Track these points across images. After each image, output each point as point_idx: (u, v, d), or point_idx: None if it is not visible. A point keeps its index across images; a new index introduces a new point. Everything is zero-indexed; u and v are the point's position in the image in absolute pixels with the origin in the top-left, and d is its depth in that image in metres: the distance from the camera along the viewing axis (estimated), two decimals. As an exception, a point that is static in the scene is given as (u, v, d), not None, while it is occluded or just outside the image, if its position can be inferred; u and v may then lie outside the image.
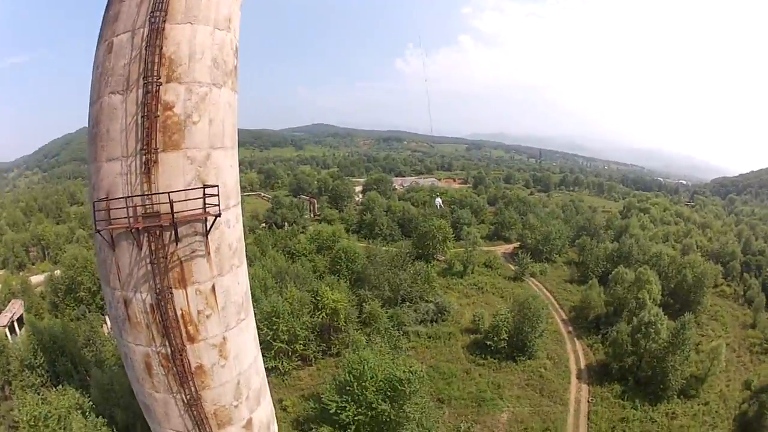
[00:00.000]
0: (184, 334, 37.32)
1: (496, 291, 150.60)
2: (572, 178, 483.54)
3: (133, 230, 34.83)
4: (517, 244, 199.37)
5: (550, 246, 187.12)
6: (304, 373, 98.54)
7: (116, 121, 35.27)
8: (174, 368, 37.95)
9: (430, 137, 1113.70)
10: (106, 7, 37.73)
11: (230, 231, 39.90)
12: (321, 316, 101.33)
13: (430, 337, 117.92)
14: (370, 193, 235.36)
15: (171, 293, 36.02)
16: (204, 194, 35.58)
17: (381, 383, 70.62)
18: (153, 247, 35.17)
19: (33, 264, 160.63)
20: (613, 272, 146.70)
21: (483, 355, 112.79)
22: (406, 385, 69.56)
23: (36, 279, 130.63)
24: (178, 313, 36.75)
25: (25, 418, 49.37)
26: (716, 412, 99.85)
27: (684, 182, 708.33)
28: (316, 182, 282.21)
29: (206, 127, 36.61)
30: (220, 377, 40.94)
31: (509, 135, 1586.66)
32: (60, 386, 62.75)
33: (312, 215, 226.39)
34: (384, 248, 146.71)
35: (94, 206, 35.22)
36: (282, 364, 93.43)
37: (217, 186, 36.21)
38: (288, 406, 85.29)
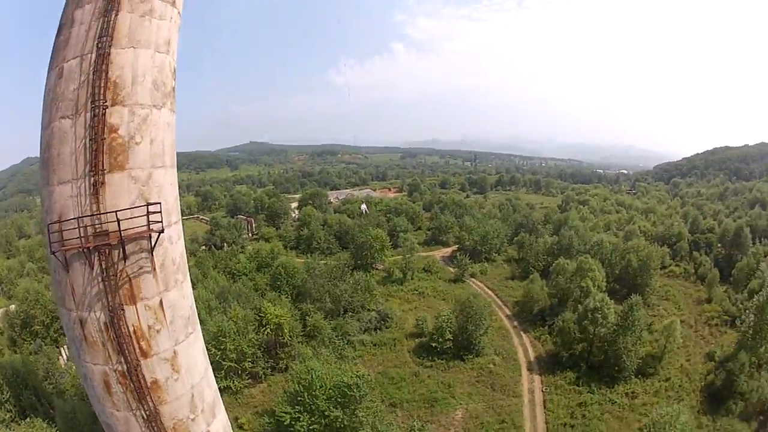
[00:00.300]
0: (137, 350, 38.21)
1: (437, 294, 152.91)
2: (508, 177, 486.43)
3: (84, 250, 35.79)
4: (455, 247, 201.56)
5: (488, 246, 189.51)
6: (255, 391, 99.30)
7: (66, 145, 36.36)
8: (131, 384, 38.72)
9: (364, 148, 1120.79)
10: (57, 33, 38.91)
11: (173, 247, 41.08)
12: (266, 332, 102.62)
13: (375, 345, 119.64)
14: (306, 208, 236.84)
15: (122, 310, 37.06)
16: (147, 212, 36.73)
17: (331, 391, 71.86)
18: (103, 266, 36.26)
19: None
20: (553, 264, 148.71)
21: (430, 357, 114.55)
22: (355, 390, 71.23)
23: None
24: (131, 329, 37.69)
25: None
26: (680, 386, 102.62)
27: (625, 172, 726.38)
28: (252, 201, 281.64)
29: (148, 148, 37.87)
30: (175, 391, 41.79)
31: (443, 140, 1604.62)
32: (27, 419, 63.20)
33: (250, 235, 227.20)
34: (323, 261, 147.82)
35: (48, 229, 36.24)
36: (233, 382, 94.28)
37: (159, 203, 37.68)
38: (244, 423, 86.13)
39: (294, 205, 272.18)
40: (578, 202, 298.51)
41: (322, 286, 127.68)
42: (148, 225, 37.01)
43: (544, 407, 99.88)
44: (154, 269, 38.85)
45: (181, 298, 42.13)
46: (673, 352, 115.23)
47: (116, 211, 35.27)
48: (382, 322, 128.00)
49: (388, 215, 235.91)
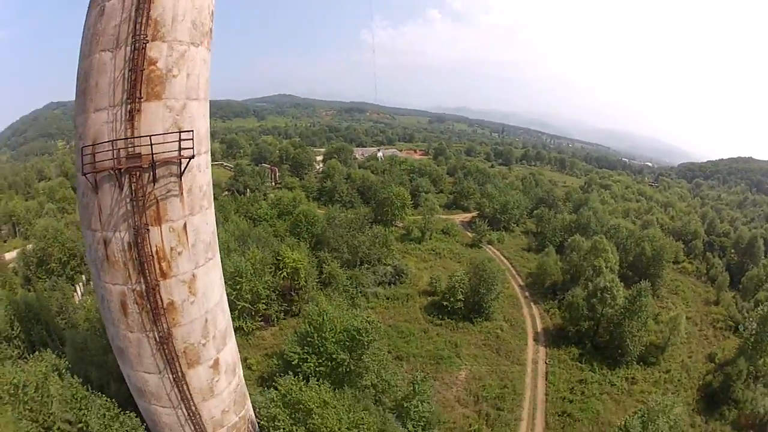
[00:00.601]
0: (157, 270, 40.14)
1: (453, 256, 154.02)
2: (534, 153, 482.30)
3: (115, 172, 37.65)
4: (475, 213, 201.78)
5: (507, 215, 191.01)
6: (267, 333, 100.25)
7: (105, 76, 38.16)
8: (148, 305, 40.63)
9: (392, 109, 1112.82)
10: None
11: (201, 175, 43.08)
12: (282, 276, 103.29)
13: (388, 298, 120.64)
14: (331, 161, 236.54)
15: (147, 230, 39.01)
16: (180, 138, 38.72)
17: (340, 334, 73.14)
18: (133, 187, 38.21)
19: (5, 242, 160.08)
20: (569, 240, 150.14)
21: (440, 316, 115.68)
22: (363, 335, 72.25)
23: (9, 256, 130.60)
24: (153, 249, 39.66)
25: (5, 388, 50.38)
26: (678, 381, 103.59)
27: (650, 164, 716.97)
28: (277, 151, 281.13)
29: (184, 81, 39.85)
30: (190, 314, 43.68)
31: (473, 109, 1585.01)
32: (36, 353, 64.45)
33: (273, 183, 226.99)
34: (343, 213, 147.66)
35: (81, 152, 38.01)
36: (246, 323, 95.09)
37: (192, 131, 39.63)
38: (253, 364, 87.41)
39: (319, 158, 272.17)
40: (600, 185, 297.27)
41: (341, 236, 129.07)
42: (179, 150, 38.97)
43: (546, 378, 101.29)
44: (182, 193, 40.91)
45: (204, 223, 44.21)
46: (676, 345, 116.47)
47: (150, 136, 37.40)
48: (397, 277, 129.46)
49: (411, 175, 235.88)
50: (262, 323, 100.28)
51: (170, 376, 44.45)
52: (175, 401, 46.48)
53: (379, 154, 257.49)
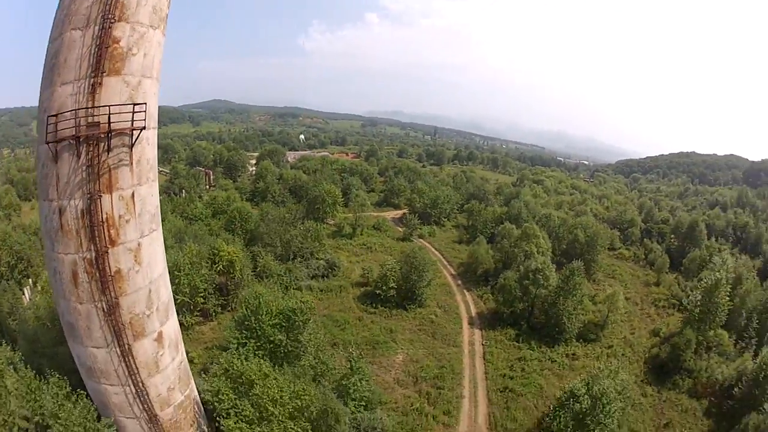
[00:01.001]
0: (107, 237, 42.75)
1: (384, 250, 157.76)
2: (466, 153, 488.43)
3: (75, 140, 40.64)
4: (406, 210, 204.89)
5: (438, 210, 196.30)
6: (206, 328, 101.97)
7: (74, 52, 41.64)
8: (97, 273, 43.13)
9: (326, 114, 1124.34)
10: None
11: (149, 148, 46.18)
12: (218, 269, 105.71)
13: (321, 290, 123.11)
14: (263, 162, 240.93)
15: (100, 197, 41.69)
16: (133, 110, 42.12)
17: (276, 317, 75.49)
18: (90, 156, 41.27)
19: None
20: (499, 228, 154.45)
21: (374, 305, 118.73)
22: (298, 314, 75.06)
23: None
24: (104, 216, 42.34)
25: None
26: (623, 355, 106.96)
27: (586, 162, 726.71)
28: (212, 155, 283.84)
29: (141, 59, 43.53)
30: (135, 283, 46.11)
31: (406, 113, 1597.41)
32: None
33: (208, 186, 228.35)
34: (276, 210, 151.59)
35: (46, 122, 40.89)
36: (185, 318, 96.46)
37: (145, 104, 43.13)
38: (194, 357, 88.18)
39: (252, 161, 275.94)
40: (533, 180, 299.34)
41: (275, 231, 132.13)
42: (132, 122, 42.18)
43: (484, 358, 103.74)
44: (132, 164, 43.85)
45: (150, 195, 47.05)
46: (617, 323, 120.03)
47: (109, 106, 40.61)
48: (330, 270, 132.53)
49: (342, 174, 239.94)
50: (200, 318, 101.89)
51: (117, 349, 46.47)
52: (123, 377, 48.09)
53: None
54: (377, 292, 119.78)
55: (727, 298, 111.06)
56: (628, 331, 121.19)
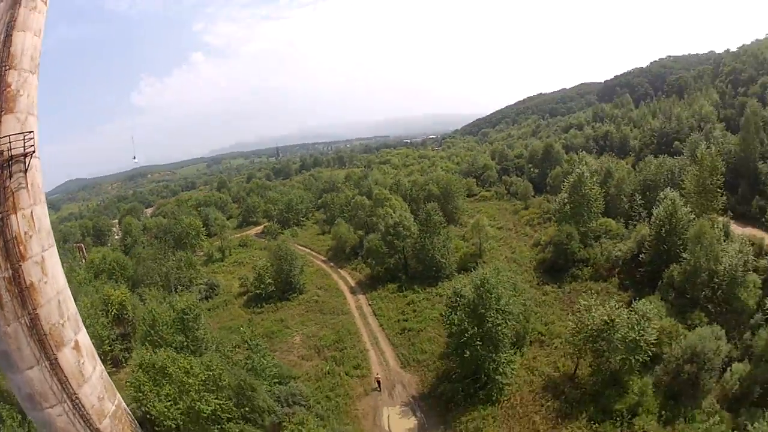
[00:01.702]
0: (18, 253, 48.62)
1: (254, 262, 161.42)
2: (311, 160, 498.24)
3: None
4: (266, 223, 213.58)
5: (294, 212, 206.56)
6: (121, 375, 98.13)
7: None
8: (16, 289, 48.43)
9: (170, 165, 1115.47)
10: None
11: (38, 174, 53.20)
12: (113, 313, 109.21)
13: (209, 310, 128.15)
14: (126, 218, 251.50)
15: (8, 217, 48.21)
16: (24, 138, 49.73)
17: (172, 323, 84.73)
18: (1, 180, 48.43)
19: None
20: (351, 203, 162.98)
21: (259, 305, 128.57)
22: (189, 312, 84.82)
23: None
24: (14, 234, 48.53)
25: None
26: (510, 268, 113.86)
27: (433, 136, 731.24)
28: (78, 231, 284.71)
29: (26, 99, 51.48)
30: (46, 293, 51.36)
31: (247, 143, 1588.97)
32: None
33: (83, 260, 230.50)
34: (146, 250, 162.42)
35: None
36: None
37: (33, 132, 51.21)
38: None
39: (115, 228, 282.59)
40: (380, 162, 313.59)
41: (151, 268, 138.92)
42: (24, 147, 49.70)
43: (375, 315, 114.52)
44: (27, 186, 50.69)
45: (44, 214, 53.64)
46: (495, 249, 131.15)
47: (9, 135, 48.56)
48: (211, 291, 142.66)
49: (198, 208, 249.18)
50: (113, 367, 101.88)
51: (47, 363, 50.72)
52: (59, 393, 51.75)
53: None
54: (258, 292, 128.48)
55: (598, 188, 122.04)
56: (509, 251, 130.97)
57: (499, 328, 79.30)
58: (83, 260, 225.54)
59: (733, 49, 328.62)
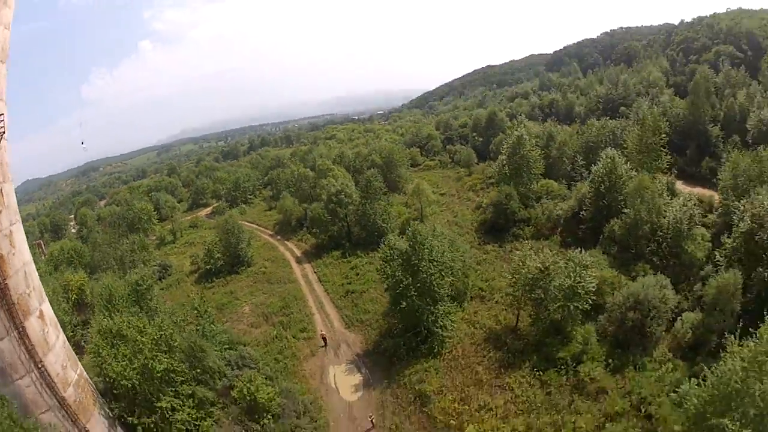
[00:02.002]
0: (-11, 227, 51.29)
1: (204, 241, 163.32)
2: (259, 141, 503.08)
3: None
4: (215, 204, 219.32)
5: (242, 190, 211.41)
6: (85, 360, 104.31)
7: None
8: None
9: (121, 156, 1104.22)
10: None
11: (6, 153, 56.49)
12: (73, 298, 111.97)
13: (162, 289, 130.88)
14: (81, 210, 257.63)
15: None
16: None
17: (126, 297, 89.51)
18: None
19: None
20: (296, 175, 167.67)
21: (209, 280, 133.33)
22: (142, 284, 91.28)
23: None
24: (-15, 208, 51.04)
25: None
26: (452, 230, 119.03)
27: (381, 112, 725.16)
28: (37, 229, 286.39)
29: None
30: (14, 264, 53.95)
31: (196, 128, 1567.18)
32: None
33: (43, 256, 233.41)
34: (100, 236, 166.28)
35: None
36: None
37: (3, 114, 54.46)
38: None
39: (72, 222, 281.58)
40: (325, 138, 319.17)
41: (106, 252, 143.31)
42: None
43: (320, 281, 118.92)
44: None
45: (11, 191, 57.07)
46: (437, 213, 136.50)
47: None
48: (164, 271, 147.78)
49: (150, 194, 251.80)
50: (76, 353, 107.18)
51: (15, 333, 52.19)
52: (27, 362, 53.01)
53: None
54: (208, 267, 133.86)
55: (538, 150, 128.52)
56: (451, 215, 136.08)
57: (434, 278, 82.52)
58: (43, 255, 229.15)
59: (688, 20, 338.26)
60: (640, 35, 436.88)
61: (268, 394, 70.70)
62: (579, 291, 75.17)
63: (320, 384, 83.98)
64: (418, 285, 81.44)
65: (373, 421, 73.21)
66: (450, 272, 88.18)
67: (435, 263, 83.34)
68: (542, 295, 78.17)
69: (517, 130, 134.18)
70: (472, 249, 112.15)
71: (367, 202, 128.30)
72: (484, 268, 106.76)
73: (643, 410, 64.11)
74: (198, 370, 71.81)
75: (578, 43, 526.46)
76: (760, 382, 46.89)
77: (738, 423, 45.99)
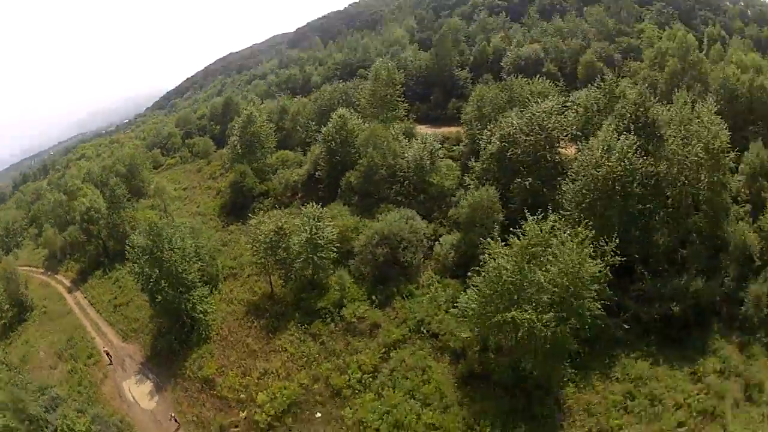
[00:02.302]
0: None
1: None
2: (21, 178, 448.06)
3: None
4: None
5: (12, 234, 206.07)
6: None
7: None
8: None
9: None
10: None
11: None
12: None
13: None
14: None
15: None
16: None
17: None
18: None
19: None
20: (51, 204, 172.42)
21: (6, 335, 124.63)
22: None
23: None
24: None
25: None
26: (196, 221, 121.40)
27: (126, 121, 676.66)
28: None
29: None
30: None
31: None
32: None
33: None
34: None
35: None
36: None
37: None
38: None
39: None
40: (77, 160, 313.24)
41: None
42: None
43: (91, 304, 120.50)
44: None
45: None
46: (180, 208, 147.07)
47: None
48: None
49: None
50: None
51: None
52: None
53: None
54: (3, 322, 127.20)
55: (271, 124, 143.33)
56: (195, 207, 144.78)
57: (180, 265, 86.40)
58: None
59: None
60: (390, 1, 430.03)
61: (84, 425, 70.15)
62: (319, 242, 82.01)
63: (121, 402, 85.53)
64: (167, 276, 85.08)
65: (176, 419, 76.38)
66: (197, 258, 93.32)
67: (177, 250, 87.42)
68: (284, 254, 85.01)
69: (245, 109, 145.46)
70: (217, 233, 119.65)
71: (114, 213, 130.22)
72: (231, 248, 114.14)
73: (424, 331, 72.86)
74: (28, 422, 71.71)
75: (323, 17, 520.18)
76: (540, 269, 54.98)
77: (533, 312, 53.41)
